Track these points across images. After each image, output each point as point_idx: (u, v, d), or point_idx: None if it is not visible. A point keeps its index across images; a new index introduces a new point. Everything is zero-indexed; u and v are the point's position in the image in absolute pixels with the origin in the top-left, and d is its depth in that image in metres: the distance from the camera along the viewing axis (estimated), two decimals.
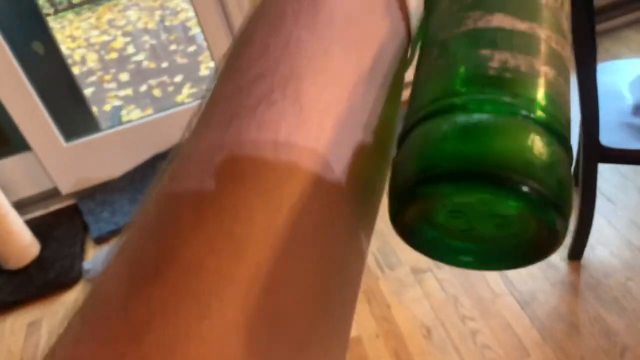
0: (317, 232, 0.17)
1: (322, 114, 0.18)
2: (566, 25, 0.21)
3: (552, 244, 0.18)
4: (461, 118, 0.18)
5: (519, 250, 0.19)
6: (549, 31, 0.20)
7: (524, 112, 0.18)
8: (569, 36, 0.22)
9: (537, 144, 0.17)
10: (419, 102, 0.20)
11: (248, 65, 0.18)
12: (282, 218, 0.16)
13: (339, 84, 0.18)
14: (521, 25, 0.20)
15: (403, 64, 0.22)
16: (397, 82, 0.22)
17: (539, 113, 0.18)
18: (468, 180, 0.17)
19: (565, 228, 0.18)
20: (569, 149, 0.19)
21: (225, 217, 0.15)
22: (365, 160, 0.19)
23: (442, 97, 0.19)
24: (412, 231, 0.19)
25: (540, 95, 0.19)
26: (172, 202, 0.16)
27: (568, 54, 0.21)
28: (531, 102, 0.18)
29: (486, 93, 0.19)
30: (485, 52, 0.19)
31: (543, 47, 0.20)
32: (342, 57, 0.19)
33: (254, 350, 0.14)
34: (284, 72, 0.18)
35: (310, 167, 0.17)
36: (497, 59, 0.19)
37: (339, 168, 0.18)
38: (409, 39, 0.22)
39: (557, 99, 0.19)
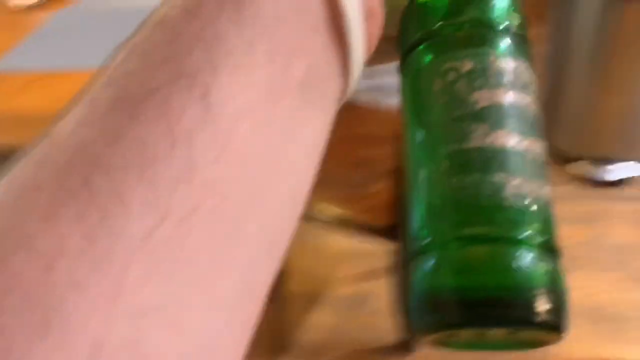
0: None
1: (233, 118, 0.16)
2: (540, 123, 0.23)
3: (555, 340, 0.20)
4: (484, 253, 0.20)
5: (524, 344, 0.21)
6: (539, 142, 0.22)
7: (538, 244, 0.20)
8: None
9: (549, 279, 0.19)
10: (433, 221, 0.21)
11: (154, 48, 0.16)
12: None
13: (259, 89, 0.17)
14: (523, 144, 0.21)
15: (335, 96, 0.20)
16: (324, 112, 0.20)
17: (547, 241, 0.20)
18: (495, 324, 0.19)
19: (566, 328, 0.20)
20: (561, 255, 0.21)
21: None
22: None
23: (460, 225, 0.20)
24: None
25: (549, 221, 0.21)
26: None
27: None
28: (542, 231, 0.20)
29: (504, 225, 0.20)
30: (498, 177, 0.20)
31: (541, 165, 0.21)
32: (267, 59, 0.17)
33: None
34: (196, 61, 0.16)
35: None
36: (511, 185, 0.20)
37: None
38: (347, 75, 0.20)
39: (554, 217, 0.21)
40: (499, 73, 0.22)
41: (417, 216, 0.22)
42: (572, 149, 0.74)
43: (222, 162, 0.15)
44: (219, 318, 0.15)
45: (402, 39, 0.25)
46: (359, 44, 0.20)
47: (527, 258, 0.19)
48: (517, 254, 0.19)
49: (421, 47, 0.24)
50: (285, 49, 0.17)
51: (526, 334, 0.20)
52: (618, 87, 0.69)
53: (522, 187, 0.20)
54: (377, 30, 0.22)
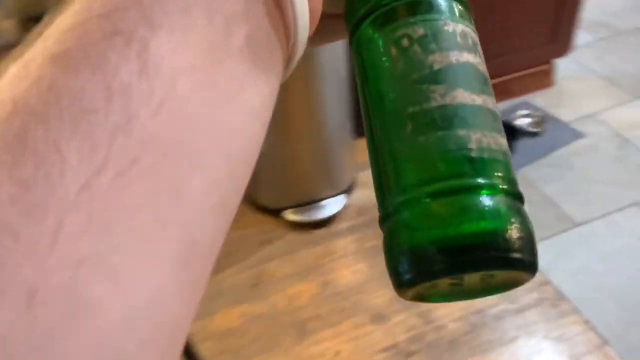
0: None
1: (171, 76, 0.16)
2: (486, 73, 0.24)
3: (528, 279, 0.21)
4: (458, 203, 0.21)
5: (499, 287, 0.22)
6: (491, 97, 0.23)
7: (503, 189, 0.21)
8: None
9: (520, 221, 0.21)
10: (404, 181, 0.22)
11: (89, 7, 0.16)
12: None
13: (197, 50, 0.17)
14: (478, 99, 0.22)
15: (279, 65, 0.21)
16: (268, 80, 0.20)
17: (511, 187, 0.21)
18: (476, 267, 0.20)
19: (537, 266, 0.21)
20: (523, 199, 0.22)
21: None
22: None
23: (430, 180, 0.21)
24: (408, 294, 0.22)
25: (509, 169, 0.22)
26: None
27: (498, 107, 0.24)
28: (505, 178, 0.21)
29: (473, 176, 0.21)
30: (462, 132, 0.21)
31: (496, 118, 0.23)
32: (206, 22, 0.17)
33: None
34: (132, 20, 0.16)
35: None
36: (473, 139, 0.21)
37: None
38: (290, 46, 0.21)
39: (507, 160, 0.22)
40: (450, 36, 0.23)
41: (385, 178, 0.23)
42: (277, 201, 0.75)
43: (161, 118, 0.15)
44: (163, 272, 0.15)
45: (348, 15, 0.26)
46: (302, 15, 0.20)
47: (497, 202, 0.21)
48: (488, 199, 0.21)
49: (370, 18, 0.25)
50: (224, 15, 0.18)
51: (501, 276, 0.21)
52: (295, 135, 0.71)
53: (483, 139, 0.21)
54: (319, 5, 0.22)
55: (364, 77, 0.25)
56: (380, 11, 0.25)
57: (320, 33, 0.24)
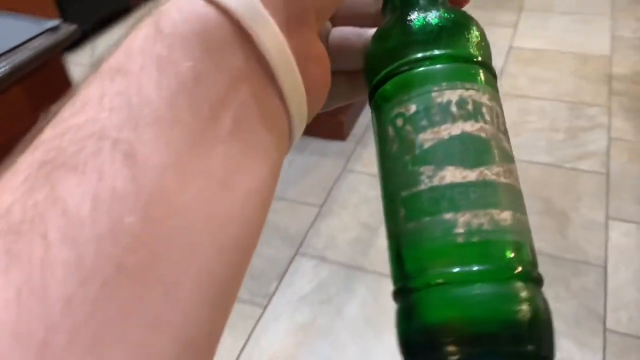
0: None
1: (158, 172, 0.16)
2: (506, 142, 0.23)
3: None
4: (448, 294, 0.20)
5: None
6: (496, 165, 0.21)
7: (499, 274, 0.20)
8: (509, 145, 0.23)
9: (519, 308, 0.19)
10: (401, 267, 0.22)
11: (72, 114, 0.17)
12: None
13: (184, 141, 0.17)
14: (472, 175, 0.21)
15: (277, 140, 0.20)
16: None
17: (513, 268, 0.20)
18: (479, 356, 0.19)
19: (554, 353, 0.20)
20: (541, 280, 0.21)
21: None
22: None
23: (421, 271, 0.21)
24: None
25: (509, 248, 0.20)
26: None
27: (515, 170, 0.22)
28: (504, 259, 0.20)
29: (460, 264, 0.20)
30: (448, 216, 0.20)
31: (496, 190, 0.21)
32: (190, 113, 0.17)
33: None
34: (117, 122, 0.16)
35: None
36: (460, 222, 0.20)
37: None
38: (287, 118, 0.21)
39: (521, 239, 0.21)
40: (443, 109, 0.22)
41: (390, 257, 0.22)
42: None
43: (148, 218, 0.15)
44: None
45: (365, 78, 0.26)
46: (296, 88, 0.20)
47: (484, 292, 0.20)
48: (476, 289, 0.20)
49: (378, 92, 0.24)
50: (209, 102, 0.18)
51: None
52: None
53: (473, 220, 0.20)
54: (323, 72, 0.22)
55: (376, 149, 0.24)
56: (383, 87, 0.24)
57: (341, 90, 0.25)
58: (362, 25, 0.28)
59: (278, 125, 0.20)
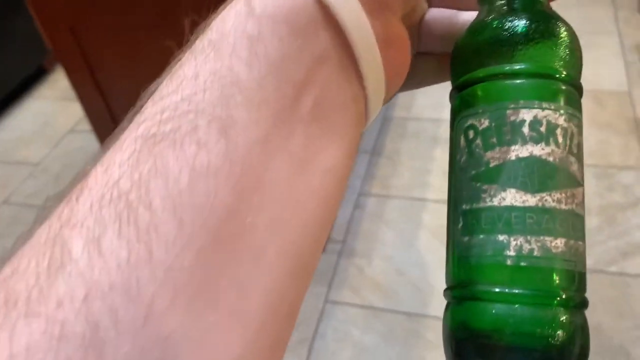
0: None
1: (247, 149, 0.18)
2: (576, 164, 0.23)
3: None
4: (489, 309, 0.21)
5: None
6: (559, 192, 0.22)
7: (543, 300, 0.21)
8: (580, 166, 0.23)
9: (555, 337, 0.21)
10: (452, 273, 0.23)
11: (169, 93, 0.18)
12: None
13: (270, 121, 0.18)
14: (532, 200, 0.21)
15: (352, 122, 0.21)
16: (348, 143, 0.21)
17: (555, 297, 0.21)
18: None
19: None
20: (585, 303, 0.22)
21: None
22: None
23: (468, 282, 0.22)
24: None
25: (556, 276, 0.21)
26: None
27: (580, 194, 0.23)
28: (548, 287, 0.21)
29: (505, 285, 0.21)
30: (502, 237, 0.21)
31: (554, 217, 0.21)
32: (277, 94, 0.18)
33: None
34: (210, 100, 0.18)
35: None
36: (512, 245, 0.21)
37: None
38: (364, 101, 0.21)
39: (570, 267, 0.21)
40: (514, 128, 0.22)
41: (448, 261, 0.24)
42: None
43: (238, 191, 0.17)
44: (243, 339, 0.16)
45: (451, 72, 0.26)
46: (376, 71, 0.21)
47: (528, 315, 0.21)
48: (518, 310, 0.21)
49: (457, 95, 0.25)
50: (292, 83, 0.19)
51: None
52: None
53: (525, 245, 0.21)
54: (403, 56, 0.23)
55: (449, 152, 0.25)
56: (463, 92, 0.24)
57: (421, 72, 0.27)
58: (460, 8, 0.27)
59: (355, 107, 0.21)
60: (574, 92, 0.24)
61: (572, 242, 0.22)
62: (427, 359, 1.22)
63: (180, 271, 0.15)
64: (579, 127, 0.23)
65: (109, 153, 0.18)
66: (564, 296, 0.21)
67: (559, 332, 0.21)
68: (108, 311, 0.15)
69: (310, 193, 0.19)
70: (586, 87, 0.24)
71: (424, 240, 1.44)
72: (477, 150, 0.23)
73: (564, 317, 0.21)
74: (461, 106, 0.24)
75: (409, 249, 1.43)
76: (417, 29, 0.27)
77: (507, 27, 0.23)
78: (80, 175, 0.18)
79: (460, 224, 0.23)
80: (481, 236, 0.22)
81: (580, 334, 0.22)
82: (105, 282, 0.15)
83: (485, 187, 0.22)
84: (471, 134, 0.23)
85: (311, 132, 0.19)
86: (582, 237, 0.23)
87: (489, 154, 0.22)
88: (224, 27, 0.19)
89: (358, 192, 1.61)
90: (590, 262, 1.33)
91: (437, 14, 0.27)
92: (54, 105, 2.22)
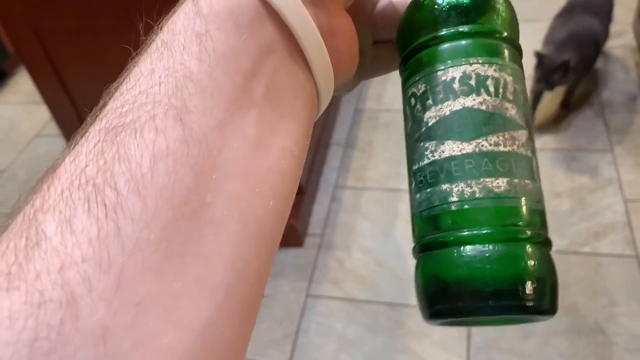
0: None
1: (203, 133, 0.19)
2: (514, 109, 0.23)
3: (548, 318, 0.23)
4: (441, 257, 0.23)
5: (522, 320, 0.24)
6: (496, 135, 0.23)
7: (493, 236, 0.22)
8: (519, 111, 0.24)
9: (510, 267, 0.22)
10: (416, 231, 0.25)
11: (128, 89, 0.20)
12: None
13: (224, 107, 0.20)
14: (468, 147, 0.23)
15: (306, 105, 0.23)
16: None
17: (509, 230, 0.22)
18: (487, 315, 0.22)
19: (557, 307, 0.23)
20: (549, 243, 0.23)
21: None
22: None
23: (424, 236, 0.24)
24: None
25: (504, 213, 0.22)
26: None
27: (522, 136, 0.23)
28: (498, 223, 0.22)
29: (455, 229, 0.23)
30: (445, 186, 0.23)
31: (493, 160, 0.23)
32: (229, 84, 0.20)
33: None
34: (164, 91, 0.19)
35: None
36: (455, 192, 0.22)
37: None
38: (315, 85, 0.23)
39: (517, 204, 0.22)
40: (446, 87, 0.24)
41: (411, 223, 0.26)
42: None
43: (196, 172, 0.18)
44: (212, 303, 0.18)
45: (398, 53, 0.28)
46: (321, 58, 0.23)
47: (479, 252, 0.22)
48: (469, 250, 0.22)
49: (402, 74, 0.27)
50: (242, 73, 0.20)
51: (522, 317, 0.22)
52: None
53: (466, 190, 0.22)
54: (347, 43, 0.24)
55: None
56: (404, 66, 0.27)
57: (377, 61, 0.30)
58: None
59: (306, 93, 0.22)
60: (503, 44, 0.25)
61: (515, 180, 0.23)
62: (412, 347, 1.23)
63: (147, 243, 0.17)
64: (515, 75, 0.24)
65: (76, 146, 0.19)
66: (515, 231, 0.22)
67: (519, 268, 0.22)
68: (82, 280, 0.16)
69: (267, 170, 0.20)
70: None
71: (402, 230, 1.46)
72: (418, 114, 0.24)
73: (522, 252, 0.22)
74: (405, 79, 0.26)
75: (387, 240, 1.44)
76: (371, 18, 0.30)
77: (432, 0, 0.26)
78: (51, 169, 0.19)
79: (413, 185, 0.25)
80: (428, 190, 0.24)
81: (544, 269, 0.22)
82: (77, 255, 0.16)
83: (427, 144, 0.24)
84: (412, 101, 0.25)
85: (265, 116, 0.21)
86: (531, 177, 0.23)
87: (427, 115, 0.24)
88: (174, 27, 0.21)
89: (334, 185, 1.61)
90: (563, 243, 1.37)
91: (386, 3, 0.30)
92: (17, 110, 2.16)
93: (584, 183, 1.52)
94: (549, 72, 1.53)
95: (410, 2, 0.27)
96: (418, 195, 0.24)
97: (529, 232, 0.23)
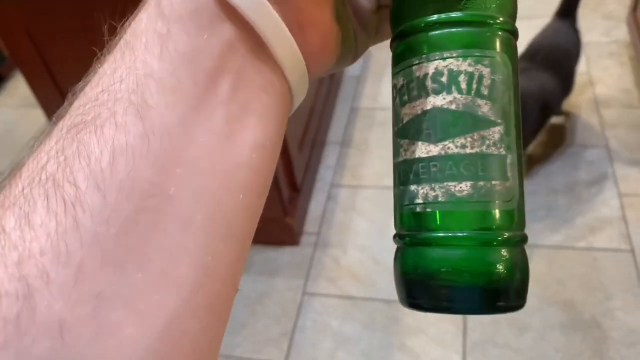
0: None
1: (165, 132, 0.19)
2: (486, 106, 0.23)
3: (517, 310, 0.23)
4: (408, 255, 0.24)
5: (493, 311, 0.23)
6: (463, 137, 0.22)
7: (451, 238, 0.22)
8: (491, 107, 0.23)
9: (462, 268, 0.22)
10: (396, 225, 0.25)
11: (91, 87, 0.20)
12: None
13: (187, 106, 0.19)
14: (434, 150, 0.23)
15: (276, 100, 0.22)
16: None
17: (474, 238, 0.22)
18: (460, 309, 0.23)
19: (525, 301, 0.23)
20: (519, 240, 0.23)
21: None
22: None
23: (399, 230, 0.25)
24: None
25: (465, 217, 0.22)
26: None
27: (491, 135, 0.23)
28: (456, 228, 0.22)
29: (420, 230, 0.23)
30: (412, 187, 0.23)
31: (458, 163, 0.22)
32: (191, 82, 0.20)
33: None
34: (125, 89, 0.19)
35: None
36: (420, 194, 0.23)
37: None
38: (284, 81, 0.23)
39: (480, 208, 0.22)
40: (420, 83, 0.23)
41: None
42: None
43: (159, 168, 0.18)
44: (177, 296, 0.18)
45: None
46: (291, 54, 0.22)
47: (436, 254, 0.23)
48: (431, 251, 0.23)
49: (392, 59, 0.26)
50: (205, 72, 0.20)
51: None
52: None
53: (430, 193, 0.23)
54: (320, 35, 0.24)
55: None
56: (392, 54, 0.26)
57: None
58: None
59: (275, 89, 0.22)
60: (487, 31, 0.23)
61: (481, 183, 0.22)
62: (408, 343, 1.23)
63: (106, 237, 0.17)
64: (494, 65, 0.23)
65: (40, 144, 0.19)
66: (481, 235, 0.22)
67: (484, 269, 0.22)
68: (39, 273, 0.16)
69: (237, 165, 0.20)
70: None
71: None
72: (397, 108, 0.24)
73: (487, 255, 0.22)
74: (392, 65, 0.26)
75: (383, 237, 1.45)
76: None
77: None
78: (15, 168, 0.19)
79: (394, 177, 0.25)
80: (401, 187, 0.24)
81: (509, 270, 0.22)
82: (36, 249, 0.16)
83: (401, 142, 0.24)
84: (394, 93, 0.25)
85: (232, 112, 0.20)
86: (502, 176, 0.23)
87: (403, 111, 0.24)
88: (137, 28, 0.21)
89: (330, 183, 1.62)
90: (559, 239, 1.37)
91: None
92: (14, 113, 2.16)
93: (579, 178, 1.52)
94: None
95: None
96: (396, 190, 0.25)
97: (496, 234, 0.23)
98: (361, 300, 1.32)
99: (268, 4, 0.21)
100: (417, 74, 0.23)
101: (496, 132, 0.23)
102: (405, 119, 0.24)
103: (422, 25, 0.24)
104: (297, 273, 1.40)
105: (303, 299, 1.34)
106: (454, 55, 0.23)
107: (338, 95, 1.93)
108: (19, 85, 2.23)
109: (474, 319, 1.26)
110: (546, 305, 1.24)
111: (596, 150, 1.59)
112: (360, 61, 2.06)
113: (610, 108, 1.71)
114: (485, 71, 0.23)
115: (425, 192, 0.23)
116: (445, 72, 0.23)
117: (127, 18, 0.22)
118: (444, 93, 0.23)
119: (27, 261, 0.16)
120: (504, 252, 0.23)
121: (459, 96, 0.23)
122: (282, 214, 1.40)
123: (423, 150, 0.23)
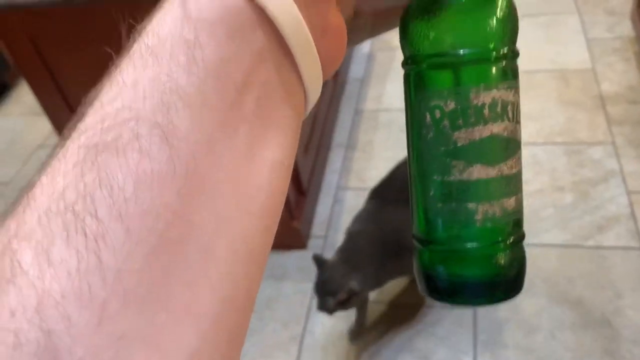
0: None
1: (191, 152, 0.18)
2: (520, 130, 0.27)
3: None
4: (464, 261, 0.27)
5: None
6: (511, 159, 0.26)
7: (503, 246, 0.27)
8: (520, 129, 0.27)
9: (514, 270, 0.27)
10: (429, 230, 0.28)
11: (109, 101, 0.18)
12: None
13: (212, 123, 0.18)
14: (492, 172, 0.26)
15: (295, 112, 0.22)
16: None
17: (511, 240, 0.27)
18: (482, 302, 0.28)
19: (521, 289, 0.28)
20: (523, 236, 0.28)
21: None
22: None
23: (448, 241, 0.27)
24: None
25: (512, 223, 0.27)
26: None
27: (521, 154, 0.27)
28: (508, 235, 0.27)
29: (474, 241, 0.27)
30: (471, 205, 0.26)
31: (509, 182, 0.26)
32: (218, 98, 0.19)
33: None
34: (151, 108, 0.18)
35: None
36: (480, 211, 0.26)
37: None
38: (304, 91, 0.22)
39: (518, 216, 0.27)
40: (477, 111, 0.25)
41: (417, 215, 0.28)
42: None
43: (183, 193, 0.17)
44: (198, 333, 0.17)
45: (401, 42, 0.27)
46: (311, 61, 0.21)
47: (493, 260, 0.27)
48: (488, 259, 0.27)
49: (413, 69, 0.27)
50: (234, 86, 0.19)
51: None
52: None
53: (489, 210, 0.26)
54: (338, 42, 0.24)
55: (406, 113, 0.28)
56: (423, 67, 0.26)
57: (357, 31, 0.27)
58: None
59: (295, 100, 0.21)
60: (516, 62, 0.26)
61: (519, 195, 0.27)
62: (418, 345, 1.23)
63: (130, 274, 0.16)
64: (518, 93, 0.26)
65: (53, 163, 0.18)
66: (511, 239, 0.27)
67: (506, 265, 0.27)
68: (61, 318, 0.15)
69: (258, 187, 0.19)
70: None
71: None
72: (445, 130, 0.26)
73: (509, 254, 0.27)
74: (424, 83, 0.26)
75: None
76: None
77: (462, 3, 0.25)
78: (28, 187, 0.18)
79: (432, 192, 0.27)
80: (453, 204, 0.26)
81: (517, 262, 0.27)
82: (56, 290, 0.15)
83: (454, 162, 0.26)
84: (437, 113, 0.26)
85: (255, 130, 0.19)
86: (521, 188, 0.27)
87: (456, 134, 0.25)
88: (160, 32, 0.19)
89: (336, 186, 1.61)
90: (567, 238, 1.36)
91: None
92: (20, 121, 2.17)
93: (586, 176, 1.52)
94: (324, 295, 1.08)
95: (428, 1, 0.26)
96: (440, 205, 0.26)
97: (519, 235, 0.27)
98: (370, 303, 1.31)
99: (297, 10, 0.20)
100: (475, 102, 0.25)
101: (521, 152, 0.27)
102: (460, 143, 0.25)
103: (477, 55, 0.25)
104: (305, 277, 1.40)
105: (312, 303, 1.34)
106: (505, 86, 0.25)
107: (342, 98, 1.93)
108: (24, 93, 2.24)
109: (483, 320, 1.25)
110: (556, 305, 1.24)
111: (602, 147, 1.58)
112: (363, 64, 2.06)
113: (616, 105, 1.70)
114: (518, 100, 0.26)
115: (484, 209, 0.26)
116: (500, 102, 0.25)
117: (147, 17, 0.20)
118: (499, 121, 0.25)
119: (47, 304, 0.15)
120: (517, 249, 0.27)
121: (508, 123, 0.26)
122: (289, 218, 1.40)
123: (482, 172, 0.25)
